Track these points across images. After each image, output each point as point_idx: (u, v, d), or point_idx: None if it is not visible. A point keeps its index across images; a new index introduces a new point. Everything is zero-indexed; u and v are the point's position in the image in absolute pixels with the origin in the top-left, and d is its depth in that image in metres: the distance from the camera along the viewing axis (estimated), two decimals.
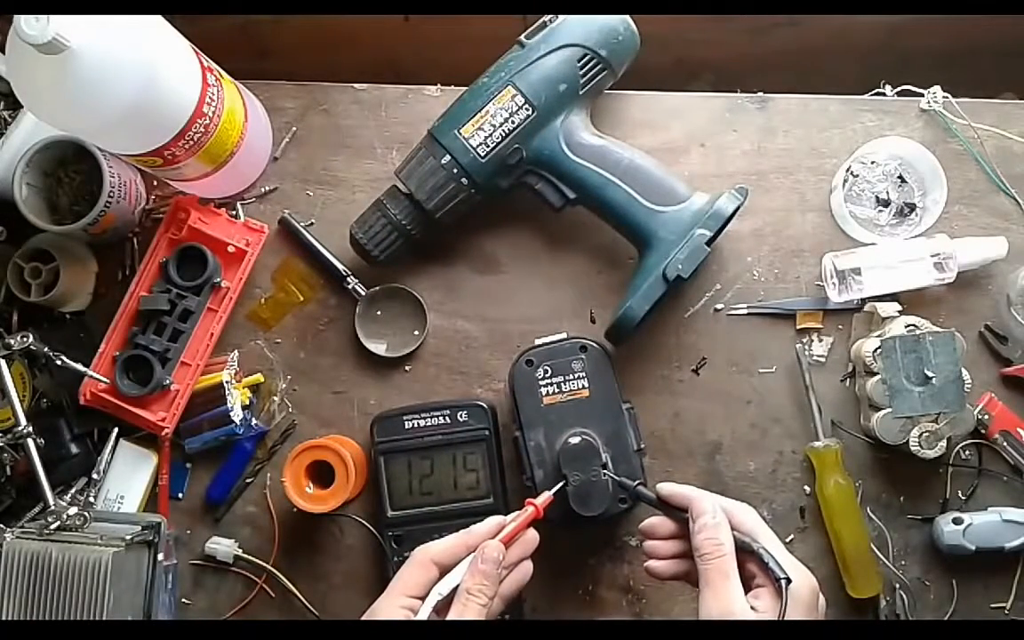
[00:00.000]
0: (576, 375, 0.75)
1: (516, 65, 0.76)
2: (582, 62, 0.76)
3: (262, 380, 0.82)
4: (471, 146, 0.76)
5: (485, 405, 0.78)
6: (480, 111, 0.76)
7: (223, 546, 0.80)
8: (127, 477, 0.80)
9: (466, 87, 0.78)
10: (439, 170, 0.76)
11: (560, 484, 0.70)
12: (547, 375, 0.75)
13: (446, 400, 0.80)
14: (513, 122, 0.76)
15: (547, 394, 0.75)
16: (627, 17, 0.78)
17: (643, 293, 0.73)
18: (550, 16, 0.77)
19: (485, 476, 0.77)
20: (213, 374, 0.80)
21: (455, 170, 0.76)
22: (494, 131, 0.76)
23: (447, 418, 0.78)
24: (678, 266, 0.73)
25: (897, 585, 0.78)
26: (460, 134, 0.76)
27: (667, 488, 0.66)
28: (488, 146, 0.76)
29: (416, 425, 0.78)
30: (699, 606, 0.59)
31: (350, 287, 0.82)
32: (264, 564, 0.80)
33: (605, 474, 0.71)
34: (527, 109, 0.76)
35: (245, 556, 0.80)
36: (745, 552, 0.60)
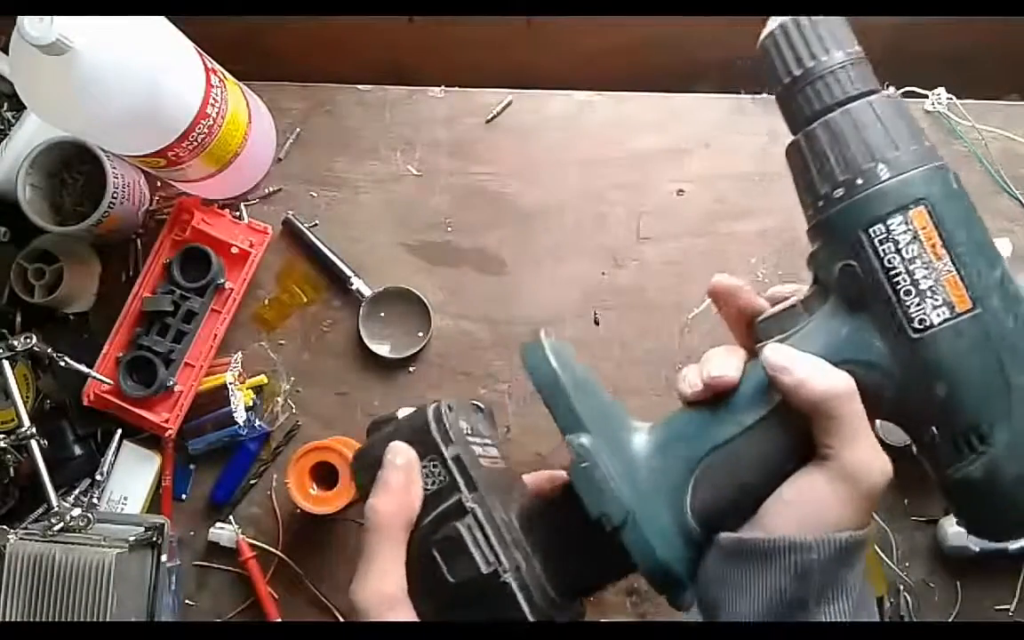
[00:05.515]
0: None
1: None
2: None
3: (266, 381, 0.82)
4: None
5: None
6: None
7: (227, 532, 0.80)
8: (130, 478, 0.80)
9: (469, 87, 0.78)
10: None
11: None
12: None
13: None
14: None
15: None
16: None
17: None
18: None
19: None
20: (217, 375, 0.80)
21: None
22: None
23: None
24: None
25: (901, 586, 0.78)
26: None
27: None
28: None
29: None
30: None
31: (354, 288, 0.82)
32: (272, 549, 0.80)
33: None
34: None
35: (252, 542, 0.80)
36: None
